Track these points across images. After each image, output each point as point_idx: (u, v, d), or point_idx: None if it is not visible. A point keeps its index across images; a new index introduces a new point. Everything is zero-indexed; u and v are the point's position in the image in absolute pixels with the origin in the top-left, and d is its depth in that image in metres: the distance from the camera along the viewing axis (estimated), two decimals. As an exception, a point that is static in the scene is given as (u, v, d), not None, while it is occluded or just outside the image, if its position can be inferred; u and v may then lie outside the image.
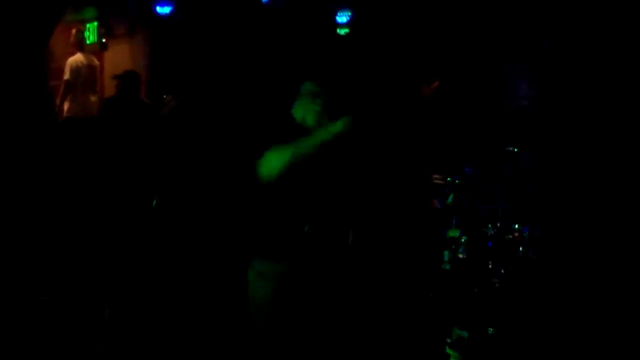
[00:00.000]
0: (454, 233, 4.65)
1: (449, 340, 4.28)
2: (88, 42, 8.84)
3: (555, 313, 4.29)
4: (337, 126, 3.18)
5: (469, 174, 4.78)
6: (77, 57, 8.12)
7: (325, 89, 3.42)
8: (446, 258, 4.61)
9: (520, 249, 4.42)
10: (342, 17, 7.42)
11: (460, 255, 4.64)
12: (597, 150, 4.98)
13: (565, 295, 4.43)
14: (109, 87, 8.67)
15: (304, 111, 3.46)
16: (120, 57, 9.10)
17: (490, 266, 4.52)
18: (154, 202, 6.04)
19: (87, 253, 5.98)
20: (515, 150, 4.55)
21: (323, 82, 3.45)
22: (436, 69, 5.54)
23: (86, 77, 8.16)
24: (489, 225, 4.63)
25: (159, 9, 8.21)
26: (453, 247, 4.68)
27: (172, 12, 8.30)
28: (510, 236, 4.49)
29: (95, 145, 7.18)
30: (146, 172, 6.42)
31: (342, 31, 7.49)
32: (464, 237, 4.65)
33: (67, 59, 8.12)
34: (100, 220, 6.24)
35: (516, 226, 4.51)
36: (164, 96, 7.47)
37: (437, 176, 4.59)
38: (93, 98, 8.33)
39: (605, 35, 5.00)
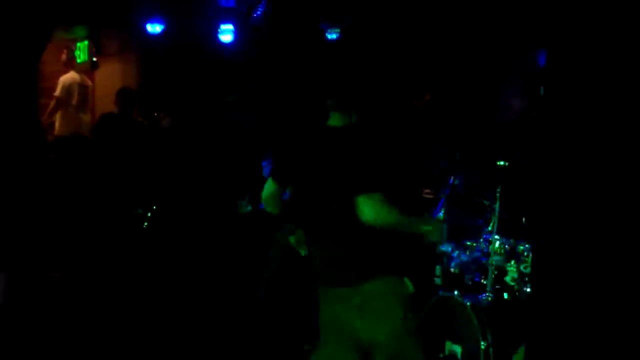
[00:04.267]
0: (445, 247, 4.64)
1: (441, 355, 4.26)
2: (79, 60, 8.84)
3: (548, 327, 4.28)
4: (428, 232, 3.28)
5: (460, 188, 4.77)
6: (71, 75, 8.13)
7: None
8: (438, 272, 4.60)
9: (513, 262, 4.41)
10: (332, 35, 7.46)
11: (452, 270, 4.63)
12: (589, 163, 4.98)
13: (557, 309, 4.41)
14: (100, 106, 8.67)
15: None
16: (111, 76, 9.10)
17: (482, 281, 4.51)
18: (145, 222, 6.03)
19: (79, 273, 5.94)
20: (506, 164, 4.54)
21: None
22: (427, 81, 5.55)
23: (79, 96, 8.17)
24: (481, 239, 4.61)
25: (149, 27, 8.22)
26: (445, 261, 4.67)
27: (163, 30, 8.31)
28: (502, 250, 4.47)
29: (87, 163, 7.17)
30: (139, 190, 6.41)
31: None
32: (455, 252, 4.64)
33: (57, 78, 8.11)
34: (92, 238, 6.22)
35: (512, 240, 4.50)
36: (155, 114, 7.47)
37: (427, 190, 4.59)
38: (85, 117, 8.32)
39: (598, 48, 5.01)
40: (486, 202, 4.59)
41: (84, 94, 8.25)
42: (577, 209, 4.79)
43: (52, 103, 8.03)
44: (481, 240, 4.59)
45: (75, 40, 9.06)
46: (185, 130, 7.02)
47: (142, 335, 5.05)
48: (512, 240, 4.47)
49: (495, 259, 4.42)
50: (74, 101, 8.09)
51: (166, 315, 5.37)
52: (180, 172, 6.49)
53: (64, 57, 8.25)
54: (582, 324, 4.27)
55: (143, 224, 5.92)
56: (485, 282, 4.46)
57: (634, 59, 4.21)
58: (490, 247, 4.46)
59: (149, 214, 5.93)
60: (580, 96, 5.03)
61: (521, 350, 4.14)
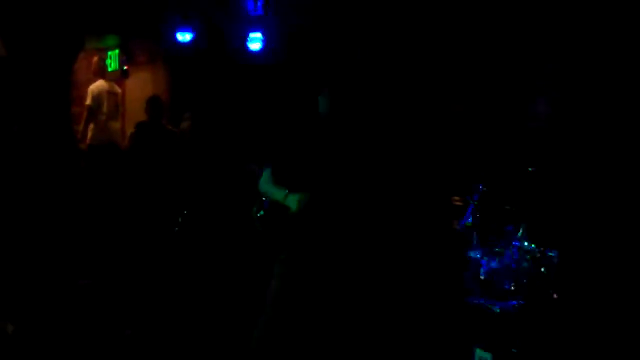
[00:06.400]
0: (474, 254, 4.63)
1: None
2: (110, 69, 8.95)
3: (577, 334, 4.26)
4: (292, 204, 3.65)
5: (489, 195, 4.77)
6: (100, 84, 8.21)
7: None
8: (467, 279, 4.60)
9: (542, 269, 4.40)
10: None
11: (482, 277, 4.62)
12: (614, 170, 4.96)
13: (585, 315, 4.40)
14: (131, 114, 8.77)
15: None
16: (141, 84, 9.20)
17: (512, 287, 4.50)
18: (176, 227, 6.09)
19: (113, 277, 6.02)
20: (535, 170, 4.53)
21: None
22: (458, 91, 5.55)
23: (108, 104, 8.24)
24: (511, 246, 4.60)
25: (179, 36, 8.31)
26: (474, 268, 4.67)
27: (192, 39, 8.38)
28: (531, 257, 4.46)
29: (120, 171, 7.27)
30: (170, 197, 6.48)
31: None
32: (485, 258, 4.63)
33: (89, 86, 8.21)
34: (125, 242, 6.30)
35: (538, 247, 4.48)
36: (183, 114, 7.49)
37: (457, 197, 4.59)
38: (115, 125, 8.41)
39: (625, 57, 5.00)
40: (515, 208, 4.58)
41: (113, 101, 8.33)
42: (605, 213, 4.77)
43: (85, 113, 8.12)
44: (511, 246, 4.58)
45: (106, 49, 9.18)
46: (203, 135, 7.07)
47: (168, 335, 5.10)
48: (541, 246, 4.46)
49: (524, 265, 4.41)
50: (105, 109, 8.17)
51: (195, 316, 5.42)
52: (203, 178, 6.55)
53: (94, 65, 8.35)
54: (604, 325, 4.26)
55: (174, 228, 5.98)
56: (515, 289, 4.45)
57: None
58: (520, 253, 4.45)
59: (180, 219, 5.99)
60: (609, 103, 5.02)
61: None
